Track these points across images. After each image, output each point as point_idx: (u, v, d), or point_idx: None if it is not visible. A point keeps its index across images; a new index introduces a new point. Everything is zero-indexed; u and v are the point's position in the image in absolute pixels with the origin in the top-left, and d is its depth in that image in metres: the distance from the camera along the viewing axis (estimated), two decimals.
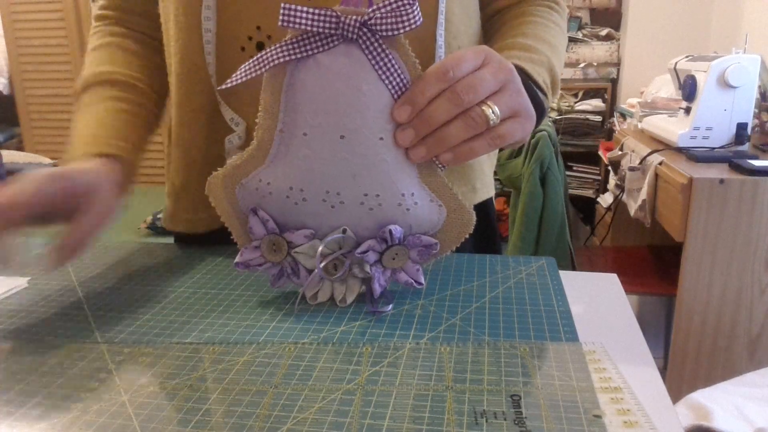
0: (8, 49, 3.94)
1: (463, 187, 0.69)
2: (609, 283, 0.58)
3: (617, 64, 2.92)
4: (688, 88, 1.71)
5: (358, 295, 0.53)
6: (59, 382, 0.41)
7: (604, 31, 2.95)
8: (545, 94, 0.61)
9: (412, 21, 0.43)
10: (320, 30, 0.44)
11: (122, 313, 0.52)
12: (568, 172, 2.79)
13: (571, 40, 2.86)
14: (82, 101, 0.65)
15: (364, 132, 0.46)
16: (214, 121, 0.63)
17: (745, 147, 1.67)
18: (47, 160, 2.53)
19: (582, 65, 2.92)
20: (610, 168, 2.09)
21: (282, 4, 0.43)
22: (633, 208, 1.78)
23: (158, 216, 3.02)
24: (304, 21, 0.43)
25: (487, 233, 0.74)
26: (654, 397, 0.39)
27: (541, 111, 0.58)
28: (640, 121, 2.08)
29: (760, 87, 1.74)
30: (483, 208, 0.72)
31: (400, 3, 0.43)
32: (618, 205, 2.04)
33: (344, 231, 0.51)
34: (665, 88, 2.24)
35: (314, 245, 0.51)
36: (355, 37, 0.44)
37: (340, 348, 0.45)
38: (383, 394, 0.39)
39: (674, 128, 1.75)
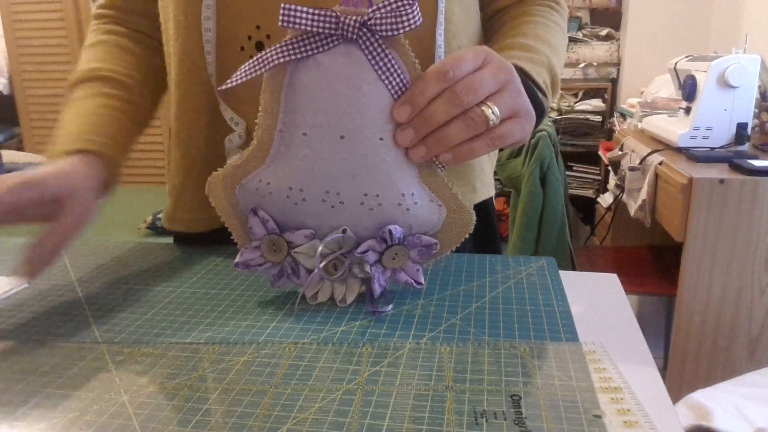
0: (8, 49, 3.94)
1: (463, 187, 0.69)
2: (609, 283, 0.58)
3: (617, 64, 2.92)
4: (688, 88, 1.71)
5: (358, 295, 0.53)
6: (59, 382, 0.41)
7: (604, 31, 2.95)
8: (545, 95, 0.61)
9: (411, 21, 0.43)
10: (320, 30, 0.44)
11: (122, 313, 0.52)
12: (568, 172, 2.79)
13: (571, 40, 2.86)
14: (72, 97, 0.65)
15: (363, 132, 0.46)
16: (214, 120, 0.63)
17: (745, 147, 1.67)
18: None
19: (582, 65, 2.92)
20: (610, 168, 2.09)
21: (282, 5, 0.43)
22: (633, 208, 1.78)
23: (158, 216, 3.02)
24: (303, 21, 0.43)
25: (487, 233, 0.74)
26: (654, 397, 0.39)
27: (540, 111, 0.58)
28: (640, 121, 2.08)
29: (760, 87, 1.74)
30: (483, 208, 0.72)
31: (399, 3, 0.43)
32: (618, 205, 2.04)
33: (344, 231, 0.51)
34: (665, 88, 2.24)
35: (314, 245, 0.51)
36: (354, 37, 0.44)
37: (340, 348, 0.45)
38: (383, 394, 0.39)
39: (674, 128, 1.75)
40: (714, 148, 1.66)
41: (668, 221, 1.58)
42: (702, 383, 1.38)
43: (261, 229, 0.51)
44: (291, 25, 0.44)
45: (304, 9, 0.43)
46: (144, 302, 0.54)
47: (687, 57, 1.82)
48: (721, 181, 1.43)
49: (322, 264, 0.51)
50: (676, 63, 1.84)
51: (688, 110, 1.75)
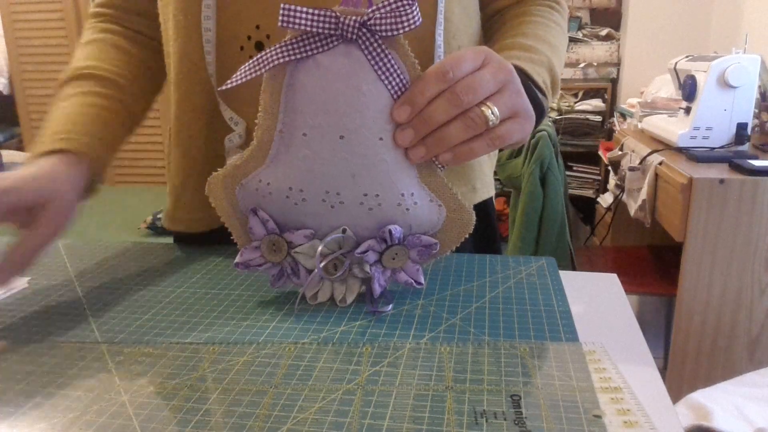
0: (8, 49, 3.94)
1: (462, 187, 0.69)
2: (609, 283, 0.58)
3: (617, 64, 2.92)
4: (688, 88, 1.71)
5: (358, 295, 0.53)
6: (59, 382, 0.41)
7: (604, 31, 2.95)
8: (545, 95, 0.61)
9: (411, 21, 0.43)
10: (320, 30, 0.44)
11: (122, 313, 0.52)
12: (568, 172, 2.79)
13: (571, 40, 2.86)
14: (61, 95, 0.65)
15: (363, 132, 0.46)
16: (213, 120, 0.63)
17: (745, 147, 1.67)
18: None
19: (582, 65, 2.92)
20: (610, 168, 2.09)
21: (281, 5, 0.43)
22: (633, 208, 1.78)
23: (158, 216, 3.02)
24: (303, 21, 0.43)
25: (487, 233, 0.74)
26: (654, 397, 0.39)
27: (540, 111, 0.58)
28: (640, 121, 2.08)
29: (760, 87, 1.74)
30: (483, 208, 0.72)
31: (399, 3, 0.43)
32: (618, 205, 2.04)
33: (344, 231, 0.51)
34: (665, 88, 2.24)
35: (314, 245, 0.51)
36: (354, 37, 0.44)
37: (340, 348, 0.45)
38: (383, 394, 0.39)
39: (674, 128, 1.75)
40: (714, 148, 1.66)
41: (668, 221, 1.58)
42: (702, 383, 1.38)
43: (261, 229, 0.51)
44: (290, 25, 0.44)
45: (304, 9, 0.43)
46: (144, 302, 0.54)
47: (687, 57, 1.82)
48: (721, 181, 1.43)
49: (322, 264, 0.51)
50: (676, 63, 1.84)
51: (688, 110, 1.75)
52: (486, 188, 0.73)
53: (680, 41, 2.70)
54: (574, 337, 0.46)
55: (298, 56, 0.45)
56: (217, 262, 0.63)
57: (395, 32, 0.44)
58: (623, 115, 2.53)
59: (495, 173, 0.78)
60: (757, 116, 1.78)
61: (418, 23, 0.44)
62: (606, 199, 2.26)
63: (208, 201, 0.52)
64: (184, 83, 0.63)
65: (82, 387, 0.41)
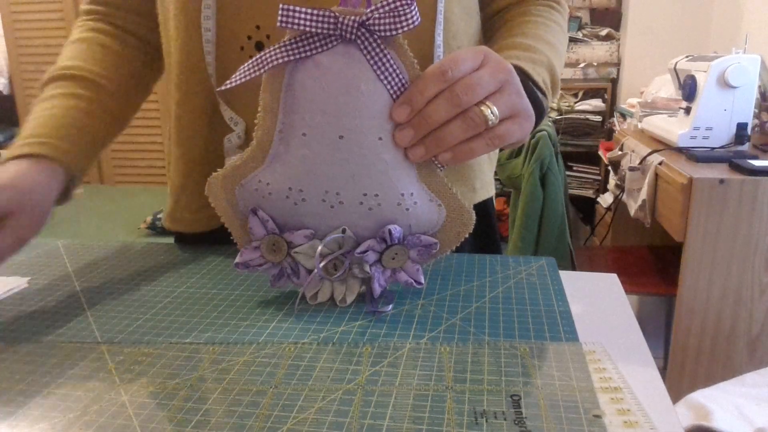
0: (8, 49, 3.94)
1: (462, 187, 0.69)
2: (609, 283, 0.58)
3: (617, 64, 2.92)
4: (688, 88, 1.71)
5: (358, 295, 0.53)
6: (59, 382, 0.41)
7: (604, 31, 2.95)
8: (545, 95, 0.61)
9: (410, 21, 0.43)
10: (319, 30, 0.44)
11: (122, 313, 0.52)
12: (568, 172, 2.79)
13: (571, 40, 2.86)
14: (41, 96, 0.64)
15: (363, 132, 0.46)
16: (214, 120, 0.63)
17: (745, 147, 1.67)
18: None
19: (582, 65, 2.92)
20: (610, 168, 2.09)
21: (280, 5, 0.43)
22: (633, 208, 1.78)
23: (158, 216, 3.02)
24: (302, 21, 0.43)
25: (487, 233, 0.74)
26: (654, 397, 0.39)
27: (540, 111, 0.58)
28: (640, 121, 2.08)
29: (760, 87, 1.74)
30: (483, 208, 0.72)
31: (397, 3, 0.43)
32: (618, 205, 2.04)
33: (344, 231, 0.51)
34: (665, 88, 2.23)
35: (314, 245, 0.51)
36: (353, 37, 0.44)
37: (340, 348, 0.45)
38: (383, 394, 0.39)
39: (674, 128, 1.75)
40: (714, 148, 1.66)
41: (668, 221, 1.58)
42: (702, 383, 1.38)
43: (261, 229, 0.51)
44: (290, 25, 0.44)
45: (303, 9, 0.43)
46: (144, 302, 0.54)
47: (687, 57, 1.82)
48: (721, 181, 1.43)
49: (322, 264, 0.51)
50: (676, 63, 1.84)
51: (688, 110, 1.75)
52: (486, 188, 0.73)
53: (680, 41, 2.70)
54: (574, 337, 0.46)
55: (298, 56, 0.45)
56: (217, 262, 0.63)
57: (394, 32, 0.44)
58: (623, 115, 2.53)
59: (495, 173, 0.78)
60: (757, 116, 1.78)
61: (416, 23, 0.44)
62: (606, 199, 2.26)
63: (208, 201, 0.52)
64: (185, 83, 0.63)
65: (82, 387, 0.41)
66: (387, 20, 0.43)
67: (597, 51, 2.90)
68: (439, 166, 0.49)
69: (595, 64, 2.92)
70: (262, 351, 0.45)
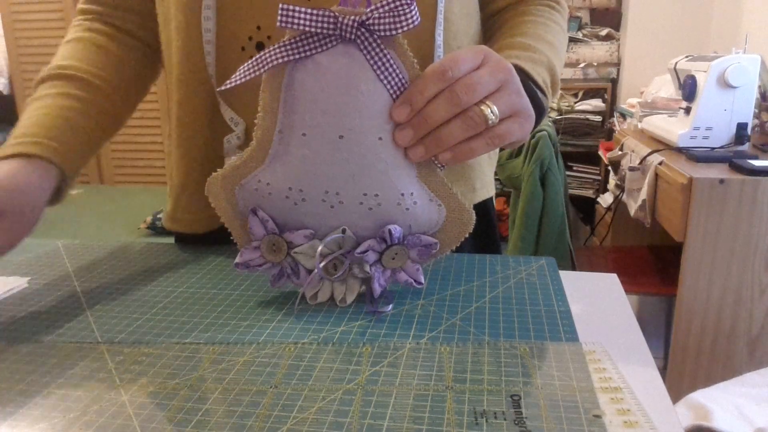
0: (8, 49, 3.94)
1: (462, 187, 0.69)
2: (609, 283, 0.58)
3: (617, 64, 2.92)
4: (688, 88, 1.71)
5: (358, 295, 0.53)
6: (59, 382, 0.41)
7: (604, 31, 2.95)
8: (545, 94, 0.61)
9: (409, 21, 0.43)
10: (318, 30, 0.44)
11: (122, 313, 0.52)
12: (568, 172, 2.79)
13: (571, 40, 2.86)
14: (35, 95, 0.63)
15: (363, 132, 0.46)
16: (214, 121, 0.63)
17: (745, 147, 1.67)
18: None
19: (582, 65, 2.92)
20: (610, 168, 2.09)
21: (280, 5, 0.43)
22: (633, 208, 1.78)
23: (158, 216, 3.02)
24: (302, 21, 0.43)
25: (487, 233, 0.74)
26: (654, 397, 0.39)
27: (540, 111, 0.58)
28: (640, 121, 2.08)
29: (760, 87, 1.74)
30: (483, 208, 0.72)
31: (397, 3, 0.43)
32: (618, 205, 2.04)
33: (344, 231, 0.51)
34: (665, 88, 2.23)
35: (314, 245, 0.51)
36: (353, 37, 0.44)
37: (340, 348, 0.45)
38: (383, 394, 0.39)
39: (674, 128, 1.75)
40: (714, 148, 1.66)
41: (668, 221, 1.58)
42: (702, 383, 1.38)
43: (261, 229, 0.51)
44: (289, 25, 0.44)
45: (303, 9, 0.43)
46: (144, 302, 0.54)
47: (687, 57, 1.82)
48: (721, 181, 1.43)
49: (322, 264, 0.51)
50: (676, 63, 1.84)
51: (688, 110, 1.75)
52: (486, 188, 0.73)
53: (680, 41, 2.70)
54: (574, 337, 0.46)
55: (297, 56, 0.45)
56: (217, 262, 0.63)
57: (394, 32, 0.44)
58: (623, 115, 2.53)
59: (495, 173, 0.78)
60: (757, 116, 1.78)
61: (416, 23, 0.44)
62: (606, 199, 2.26)
63: (208, 201, 0.52)
64: (185, 84, 0.63)
65: (82, 387, 0.41)
66: (387, 20, 0.43)
67: (597, 51, 2.90)
68: (439, 165, 0.49)
69: (595, 64, 2.92)
70: (262, 351, 0.45)
